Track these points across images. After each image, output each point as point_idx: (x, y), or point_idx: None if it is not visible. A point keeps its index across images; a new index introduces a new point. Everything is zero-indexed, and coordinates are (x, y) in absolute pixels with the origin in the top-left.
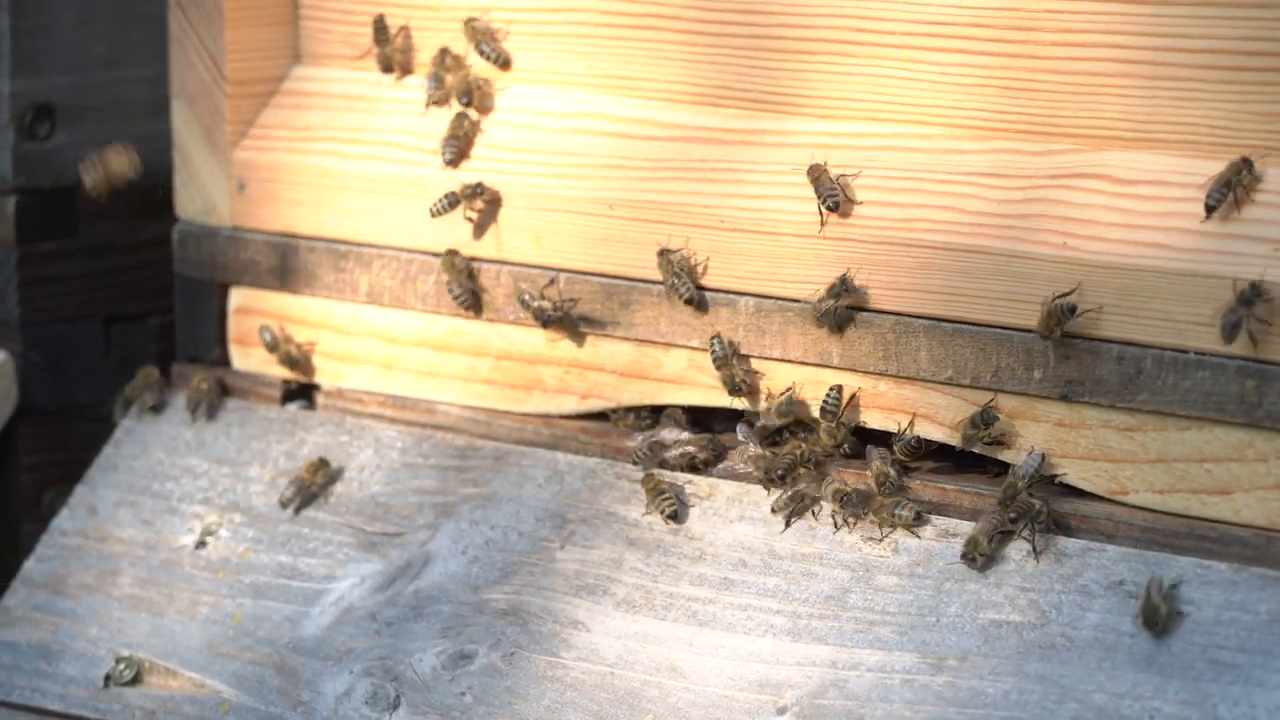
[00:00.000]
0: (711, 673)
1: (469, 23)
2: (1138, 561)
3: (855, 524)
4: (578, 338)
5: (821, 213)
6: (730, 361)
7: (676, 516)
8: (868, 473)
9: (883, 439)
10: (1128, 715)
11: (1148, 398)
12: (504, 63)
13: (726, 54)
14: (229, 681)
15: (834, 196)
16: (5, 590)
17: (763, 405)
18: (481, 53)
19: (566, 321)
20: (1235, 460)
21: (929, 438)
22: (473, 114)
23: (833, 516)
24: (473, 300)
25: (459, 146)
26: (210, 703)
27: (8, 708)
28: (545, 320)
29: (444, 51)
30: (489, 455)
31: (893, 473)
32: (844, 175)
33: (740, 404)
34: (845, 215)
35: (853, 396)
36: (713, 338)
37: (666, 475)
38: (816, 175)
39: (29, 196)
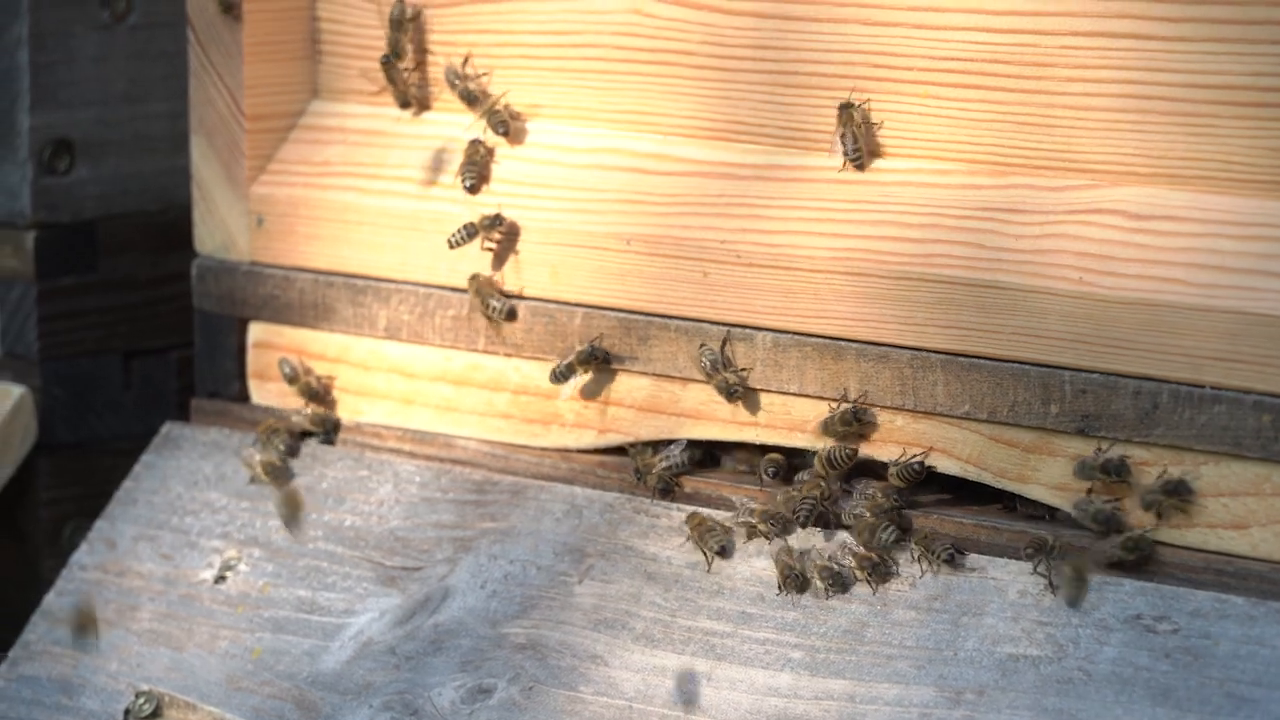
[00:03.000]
0: (730, 707)
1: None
2: (1155, 596)
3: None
4: (605, 374)
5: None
6: (720, 369)
7: (724, 552)
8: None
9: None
10: None
11: (1164, 432)
12: (508, 133)
13: (743, 89)
14: (248, 716)
15: (858, 156)
16: (25, 624)
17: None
18: (495, 130)
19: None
20: (1252, 495)
21: (947, 472)
22: (487, 141)
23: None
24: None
25: (478, 172)
26: None
27: None
28: (599, 358)
29: (476, 143)
30: (507, 490)
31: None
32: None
33: (751, 432)
34: (863, 168)
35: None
36: (702, 344)
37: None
38: (846, 119)
39: (48, 231)
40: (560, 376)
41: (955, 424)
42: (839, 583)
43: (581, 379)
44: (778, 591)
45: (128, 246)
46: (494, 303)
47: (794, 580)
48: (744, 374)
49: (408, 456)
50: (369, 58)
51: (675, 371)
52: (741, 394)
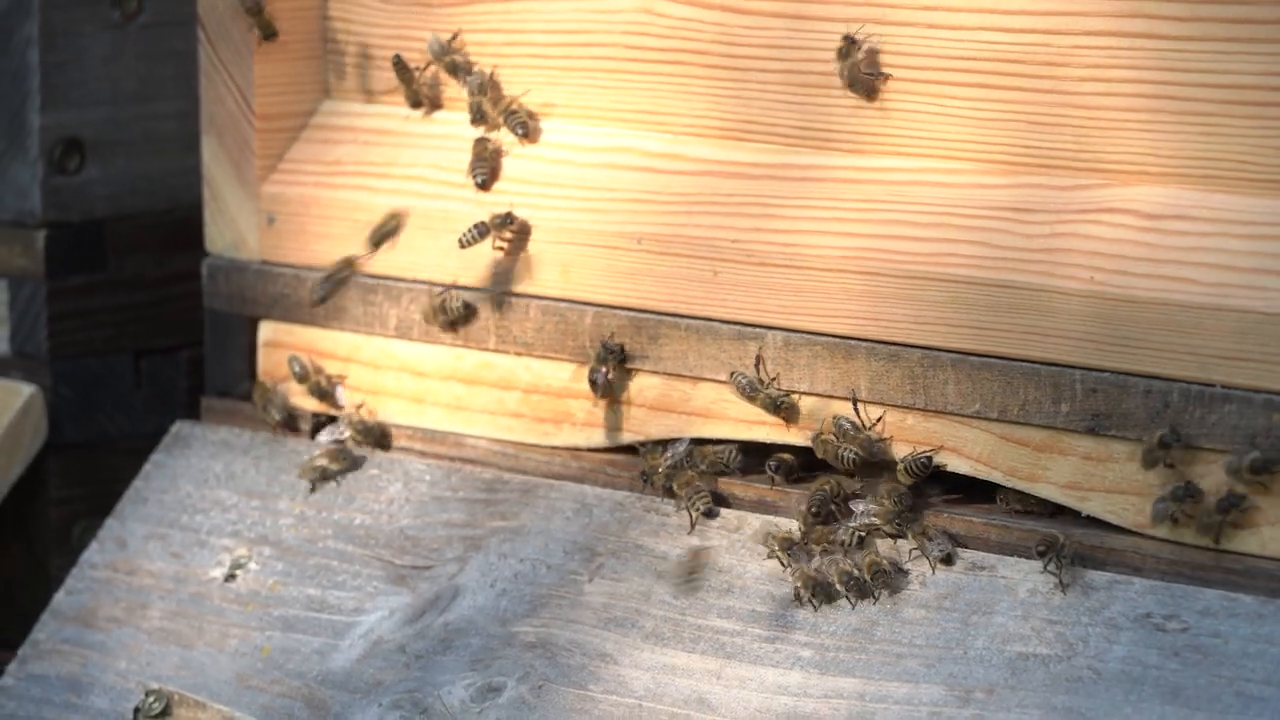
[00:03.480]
0: (739, 705)
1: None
2: (1164, 594)
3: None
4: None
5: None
6: (760, 388)
7: (710, 514)
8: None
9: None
10: None
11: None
12: (527, 134)
13: (754, 89)
14: (258, 714)
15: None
16: (35, 623)
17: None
18: (514, 132)
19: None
20: (1262, 494)
21: (957, 471)
22: (494, 137)
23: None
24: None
25: (489, 168)
26: None
27: None
28: (614, 353)
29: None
30: (517, 488)
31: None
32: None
33: (762, 431)
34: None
35: (879, 419)
36: (732, 373)
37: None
38: (846, 51)
39: (58, 230)
40: (598, 385)
41: (966, 423)
42: (860, 589)
43: (616, 376)
44: (796, 603)
45: (138, 246)
46: (451, 304)
47: (821, 591)
48: (780, 384)
49: (418, 455)
50: (380, 57)
51: (686, 370)
52: (789, 405)
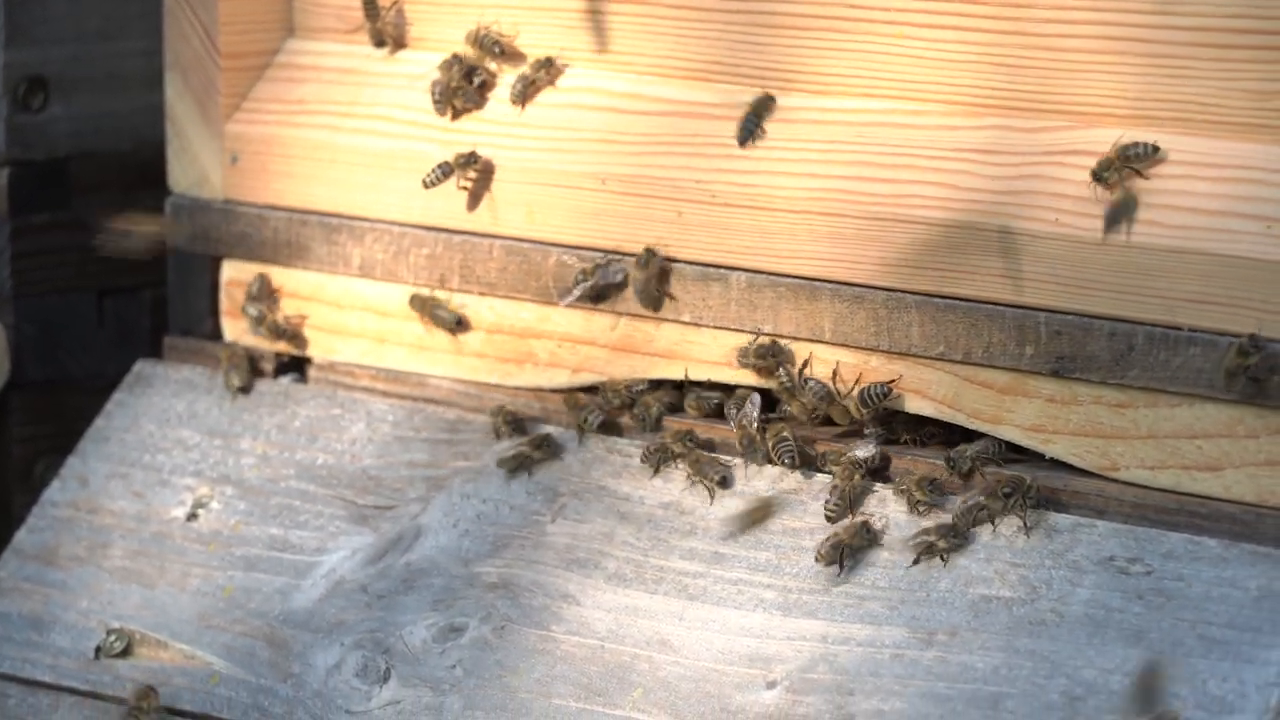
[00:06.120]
0: (702, 646)
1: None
2: (1128, 537)
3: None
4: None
5: None
6: (766, 355)
7: (725, 483)
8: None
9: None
10: (1117, 690)
11: (1139, 374)
12: (509, 56)
13: (720, 29)
14: (219, 653)
15: None
16: None
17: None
18: (491, 53)
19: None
20: (1226, 436)
21: (920, 412)
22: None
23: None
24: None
25: (483, 75)
26: (200, 674)
27: None
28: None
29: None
30: (480, 429)
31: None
32: None
33: (727, 373)
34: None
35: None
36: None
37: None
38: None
39: (22, 168)
40: (581, 279)
41: (930, 365)
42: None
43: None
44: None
45: (101, 184)
46: (441, 313)
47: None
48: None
49: (381, 395)
50: None
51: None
52: (780, 350)
